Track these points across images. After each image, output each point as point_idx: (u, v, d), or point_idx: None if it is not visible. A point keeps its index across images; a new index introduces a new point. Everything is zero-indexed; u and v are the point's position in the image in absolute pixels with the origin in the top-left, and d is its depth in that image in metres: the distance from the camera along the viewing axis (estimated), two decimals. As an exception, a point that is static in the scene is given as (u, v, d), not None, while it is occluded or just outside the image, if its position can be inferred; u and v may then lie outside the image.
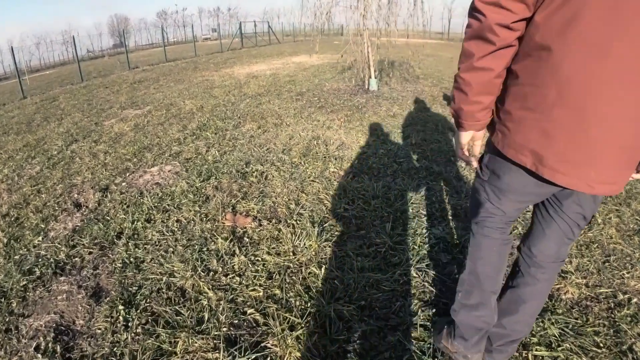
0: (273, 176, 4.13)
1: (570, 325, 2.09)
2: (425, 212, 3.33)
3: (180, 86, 11.04)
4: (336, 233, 3.04)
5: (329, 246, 2.86)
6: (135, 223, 3.35)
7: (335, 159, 4.59)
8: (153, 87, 11.39)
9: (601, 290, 2.38)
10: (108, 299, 2.47)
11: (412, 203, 3.48)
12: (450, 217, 3.27)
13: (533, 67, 1.21)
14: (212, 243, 2.97)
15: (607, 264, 2.65)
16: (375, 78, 9.24)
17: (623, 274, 2.54)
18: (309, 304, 2.28)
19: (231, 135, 5.70)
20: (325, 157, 4.65)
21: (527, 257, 1.65)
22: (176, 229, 3.21)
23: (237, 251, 2.84)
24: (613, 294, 2.35)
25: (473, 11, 1.21)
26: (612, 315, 2.18)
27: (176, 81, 12.27)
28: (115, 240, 3.15)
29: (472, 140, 1.49)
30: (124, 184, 4.27)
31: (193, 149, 5.16)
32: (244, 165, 4.44)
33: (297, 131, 5.78)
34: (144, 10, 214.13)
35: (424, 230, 3.03)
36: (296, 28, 48.45)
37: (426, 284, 2.44)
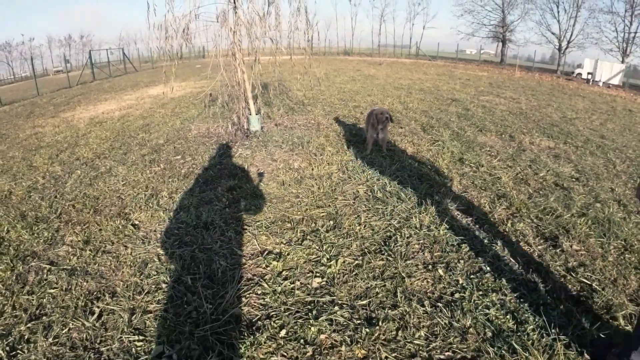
0: None
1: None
2: None
3: (-2, 148, 7.86)
4: None
5: None
6: None
7: (240, 331, 2.40)
8: (-37, 153, 8.01)
9: None
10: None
11: None
12: None
13: None
14: None
15: None
16: (257, 114, 7.12)
17: None
18: None
19: (38, 273, 3.16)
20: (218, 333, 2.43)
21: None
22: None
23: None
24: None
25: None
26: None
27: (-3, 138, 8.92)
28: None
29: None
30: None
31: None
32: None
33: (153, 244, 3.47)
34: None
35: None
36: (154, 53, 44.71)
37: None
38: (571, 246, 3.40)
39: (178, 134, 7.39)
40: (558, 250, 3.33)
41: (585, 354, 2.22)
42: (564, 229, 3.68)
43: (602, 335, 2.37)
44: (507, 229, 3.66)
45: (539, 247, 3.39)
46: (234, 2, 6.27)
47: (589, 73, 25.56)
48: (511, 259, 3.18)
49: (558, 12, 36.82)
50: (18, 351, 2.35)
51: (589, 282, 2.89)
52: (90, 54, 28.04)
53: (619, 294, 2.77)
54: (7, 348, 2.36)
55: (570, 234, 3.60)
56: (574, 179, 5.04)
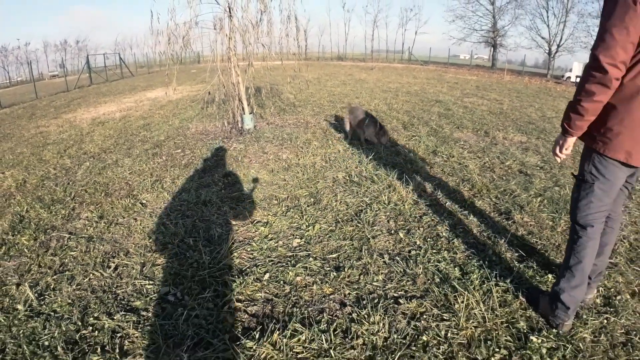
0: (133, 342, 2.37)
1: None
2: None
3: (6, 145, 8.30)
4: None
5: None
6: None
7: (232, 275, 2.96)
8: (-31, 150, 8.51)
9: None
10: None
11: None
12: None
13: (628, 102, 2.00)
14: None
15: None
16: (251, 113, 7.68)
17: None
18: None
19: (59, 240, 3.71)
20: (214, 276, 2.98)
21: (606, 218, 2.38)
22: None
23: None
24: None
25: (599, 66, 1.91)
26: None
27: (3, 137, 9.36)
28: None
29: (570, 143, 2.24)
30: None
31: (-5, 282, 3.12)
32: (79, 321, 2.59)
33: (159, 217, 4.02)
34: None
35: None
36: (150, 58, 45.16)
37: None
38: (522, 218, 3.88)
39: (177, 131, 7.93)
40: (510, 222, 3.81)
41: (521, 297, 2.69)
42: (518, 206, 4.15)
43: (538, 285, 2.87)
44: (467, 206, 4.18)
45: (493, 219, 3.89)
46: (229, 11, 6.85)
47: (577, 76, 26.16)
48: (466, 227, 3.71)
49: (548, 17, 37.36)
50: (45, 296, 2.87)
51: (533, 246, 3.38)
52: (88, 58, 28.58)
53: (560, 257, 3.23)
54: (36, 294, 2.88)
55: (524, 209, 4.07)
56: (538, 167, 5.48)
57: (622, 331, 2.44)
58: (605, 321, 2.49)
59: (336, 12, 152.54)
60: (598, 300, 2.69)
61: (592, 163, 2.22)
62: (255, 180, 4.94)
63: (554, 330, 2.41)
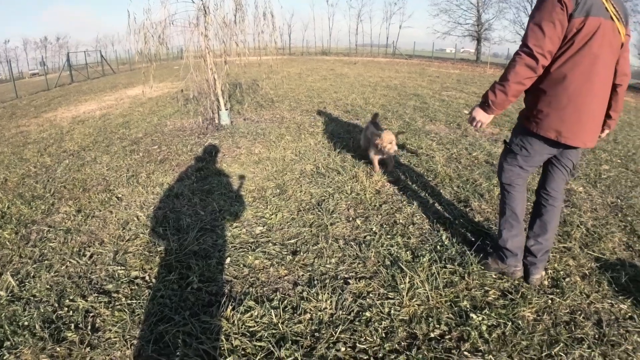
0: (104, 320, 2.62)
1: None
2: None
3: (-15, 145, 8.48)
4: None
5: None
6: None
7: (197, 259, 3.23)
8: (-52, 151, 8.60)
9: None
10: None
11: None
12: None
13: (555, 87, 2.38)
14: None
15: None
16: (227, 109, 7.90)
17: None
18: None
19: (38, 233, 3.94)
20: (179, 261, 3.25)
21: (546, 195, 2.83)
22: None
23: None
24: None
25: (529, 53, 2.28)
26: None
27: (-18, 138, 9.48)
28: None
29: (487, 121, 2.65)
30: None
31: (-22, 272, 3.35)
32: (56, 303, 2.84)
33: (133, 209, 4.26)
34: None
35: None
36: (132, 55, 44.96)
37: None
38: (480, 206, 4.13)
39: (155, 128, 8.12)
40: (468, 209, 4.07)
41: (467, 278, 2.91)
42: (478, 194, 4.40)
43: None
44: (427, 194, 4.43)
45: (451, 207, 4.14)
46: (204, 10, 7.05)
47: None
48: (424, 215, 3.97)
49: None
50: (26, 283, 3.10)
51: (487, 231, 3.62)
52: (69, 56, 28.29)
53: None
54: (17, 281, 3.12)
55: (484, 197, 4.33)
56: (505, 158, 5.72)
57: (567, 311, 2.61)
58: (550, 301, 2.68)
59: (320, 6, 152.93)
60: (546, 282, 2.90)
61: (519, 136, 2.67)
62: (226, 173, 5.19)
63: (497, 309, 2.58)
